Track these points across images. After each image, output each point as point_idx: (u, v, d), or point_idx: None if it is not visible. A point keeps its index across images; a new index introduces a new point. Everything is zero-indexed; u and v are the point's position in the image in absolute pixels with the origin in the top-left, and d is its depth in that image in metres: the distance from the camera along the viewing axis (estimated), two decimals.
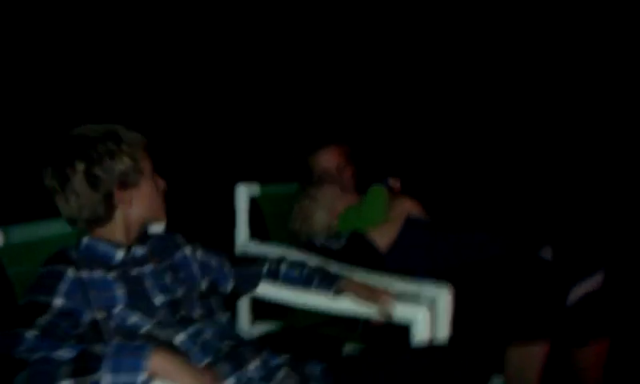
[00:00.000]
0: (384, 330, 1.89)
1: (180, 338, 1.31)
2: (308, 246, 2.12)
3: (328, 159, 2.36)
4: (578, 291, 1.92)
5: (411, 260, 2.05)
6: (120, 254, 1.38)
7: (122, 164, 1.36)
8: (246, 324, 2.13)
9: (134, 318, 1.28)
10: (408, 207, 2.17)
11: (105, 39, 4.10)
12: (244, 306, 2.13)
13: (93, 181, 1.34)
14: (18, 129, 3.47)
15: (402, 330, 1.76)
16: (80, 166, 1.33)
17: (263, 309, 2.15)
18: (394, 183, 2.27)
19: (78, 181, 1.33)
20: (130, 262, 1.39)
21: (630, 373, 2.43)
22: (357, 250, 2.05)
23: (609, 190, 4.24)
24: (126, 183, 1.38)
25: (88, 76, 3.99)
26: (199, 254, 1.58)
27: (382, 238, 2.07)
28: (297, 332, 2.22)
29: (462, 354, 1.36)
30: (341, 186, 2.27)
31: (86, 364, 1.01)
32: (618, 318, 1.97)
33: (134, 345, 1.07)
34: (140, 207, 1.43)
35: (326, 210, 2.16)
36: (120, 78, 4.11)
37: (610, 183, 4.25)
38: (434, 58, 4.64)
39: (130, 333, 1.27)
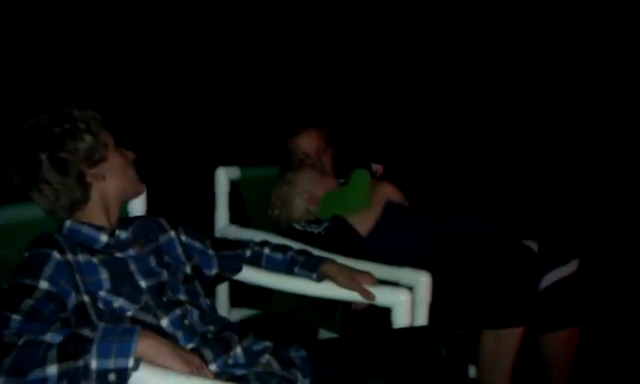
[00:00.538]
0: (361, 316, 1.92)
1: (165, 322, 1.31)
2: (288, 231, 2.12)
3: (307, 143, 2.34)
4: (552, 277, 1.97)
5: (390, 245, 2.07)
6: (104, 238, 1.37)
7: (84, 142, 1.35)
8: (224, 310, 2.12)
9: (119, 302, 1.27)
10: (389, 192, 2.18)
11: (86, 25, 4.02)
12: (222, 291, 2.12)
13: (60, 166, 1.33)
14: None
15: (380, 317, 1.79)
16: (43, 155, 1.32)
17: (240, 295, 2.15)
18: (377, 168, 2.27)
19: (46, 170, 1.32)
20: (114, 245, 1.38)
21: (599, 359, 2.51)
22: (338, 235, 2.06)
23: (589, 182, 4.33)
24: (93, 160, 1.37)
25: (68, 61, 3.91)
26: (183, 237, 1.58)
27: (363, 223, 2.08)
28: (274, 318, 2.22)
29: (440, 338, 1.39)
30: (320, 170, 2.27)
31: (74, 348, 1.00)
32: (589, 304, 2.02)
33: (123, 328, 1.05)
34: (114, 180, 1.42)
35: (304, 195, 2.15)
36: (99, 63, 4.04)
37: (591, 177, 4.34)
38: (416, 40, 4.66)
39: (116, 316, 1.26)
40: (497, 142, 4.62)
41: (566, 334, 2.03)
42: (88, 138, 1.36)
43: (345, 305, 2.01)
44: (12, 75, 3.69)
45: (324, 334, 2.19)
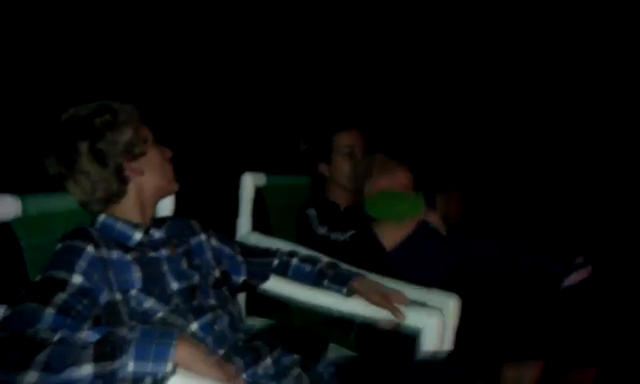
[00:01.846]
0: (380, 336, 1.87)
1: (194, 327, 1.27)
2: (310, 235, 2.08)
3: (352, 139, 2.30)
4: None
5: (411, 263, 2.03)
6: (138, 235, 1.33)
7: (124, 134, 1.33)
8: None
9: (149, 303, 1.24)
10: (429, 218, 2.15)
11: (109, 29, 4.02)
12: (239, 298, 2.08)
13: (100, 157, 1.30)
14: (33, 97, 3.44)
15: (397, 338, 1.75)
16: (83, 145, 1.29)
17: (257, 303, 2.10)
18: (441, 204, 2.26)
19: (85, 160, 1.29)
20: (148, 244, 1.34)
21: None
22: (361, 245, 2.02)
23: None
24: (133, 153, 1.35)
25: (94, 65, 3.92)
26: (213, 241, 1.54)
27: (390, 237, 2.04)
28: (287, 330, 2.17)
29: (479, 372, 1.34)
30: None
31: (111, 348, 0.96)
32: (607, 346, 1.98)
33: (161, 331, 1.01)
34: (152, 176, 1.39)
35: (387, 184, 2.15)
36: (125, 66, 4.04)
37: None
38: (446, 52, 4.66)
39: (145, 318, 1.22)
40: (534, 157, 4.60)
41: (582, 374, 1.98)
42: (128, 131, 1.33)
43: (363, 323, 1.96)
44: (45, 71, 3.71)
45: (334, 351, 2.15)
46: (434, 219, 2.14)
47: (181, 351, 0.99)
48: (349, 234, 2.05)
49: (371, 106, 4.49)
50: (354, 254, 1.93)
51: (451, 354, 1.53)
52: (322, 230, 2.09)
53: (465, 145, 4.70)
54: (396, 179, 2.18)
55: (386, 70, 4.75)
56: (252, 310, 2.12)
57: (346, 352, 2.03)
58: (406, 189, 2.19)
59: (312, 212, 2.15)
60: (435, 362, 1.42)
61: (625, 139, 4.37)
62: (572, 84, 4.47)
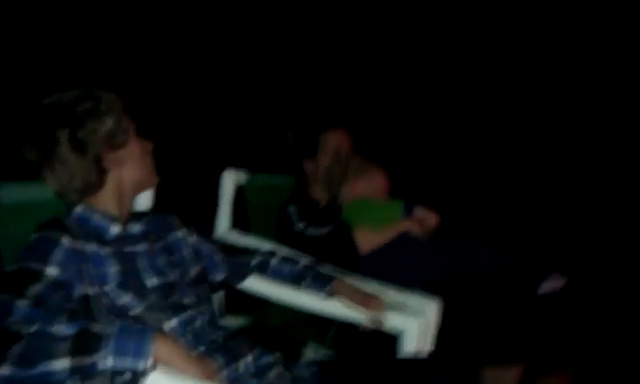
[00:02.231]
0: (358, 337, 1.87)
1: (171, 324, 1.24)
2: (286, 231, 2.07)
3: (341, 139, 2.27)
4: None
5: (387, 269, 2.03)
6: (115, 229, 1.30)
7: (106, 124, 1.28)
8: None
9: (125, 298, 1.20)
10: (406, 226, 2.15)
11: (93, 18, 3.95)
12: (216, 298, 2.05)
13: (79, 146, 1.26)
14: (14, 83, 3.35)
15: (379, 340, 1.74)
16: (63, 133, 1.25)
17: (234, 303, 2.08)
18: (421, 216, 2.23)
19: (64, 148, 1.25)
20: (125, 238, 1.31)
21: None
22: (337, 244, 2.01)
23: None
24: (113, 143, 1.30)
25: (77, 54, 3.85)
26: (193, 238, 1.51)
27: (366, 242, 2.04)
28: (265, 329, 2.15)
29: (455, 374, 1.34)
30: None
31: (87, 342, 0.93)
32: (584, 350, 2.01)
33: (138, 327, 0.99)
34: (132, 168, 1.35)
35: (364, 187, 2.14)
36: (109, 57, 3.97)
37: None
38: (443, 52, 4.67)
39: (121, 313, 1.18)
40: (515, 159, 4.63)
41: (560, 378, 2.00)
42: (109, 120, 1.29)
43: (340, 324, 1.95)
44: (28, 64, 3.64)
45: (312, 350, 2.13)
46: (413, 227, 2.14)
47: (160, 347, 0.97)
48: (325, 230, 2.04)
49: (362, 107, 4.48)
50: (327, 251, 1.92)
51: (432, 356, 1.53)
52: (300, 226, 2.07)
53: (451, 149, 4.72)
54: (373, 182, 2.18)
55: (376, 71, 4.75)
56: (230, 308, 2.10)
57: (323, 351, 2.03)
58: (382, 191, 2.19)
59: (292, 208, 2.14)
60: (416, 362, 1.42)
61: (607, 146, 4.43)
62: (560, 87, 4.52)
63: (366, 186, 2.19)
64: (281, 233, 2.11)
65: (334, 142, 2.27)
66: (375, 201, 2.19)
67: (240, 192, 2.12)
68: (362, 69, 4.70)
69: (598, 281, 3.26)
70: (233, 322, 2.10)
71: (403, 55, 4.73)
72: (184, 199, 2.67)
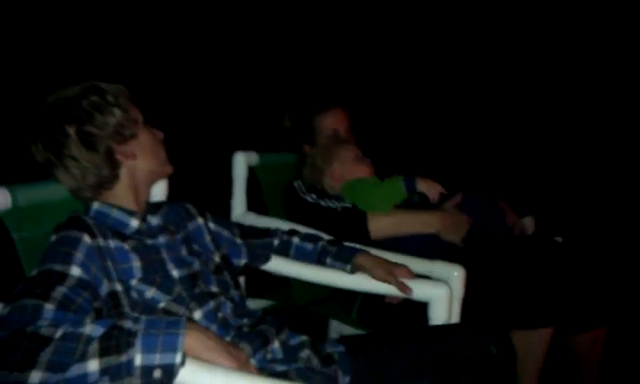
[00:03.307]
0: (384, 310, 1.84)
1: (198, 315, 1.23)
2: (299, 203, 2.02)
3: (336, 120, 2.21)
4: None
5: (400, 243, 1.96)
6: (135, 223, 1.28)
7: (114, 116, 1.27)
8: None
9: (150, 293, 1.19)
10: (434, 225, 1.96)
11: (96, 13, 3.92)
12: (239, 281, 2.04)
13: (89, 141, 1.24)
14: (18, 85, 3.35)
15: (403, 309, 1.72)
16: (71, 129, 1.23)
17: (256, 285, 2.06)
18: (433, 192, 2.00)
19: (74, 145, 1.23)
20: (145, 232, 1.29)
21: (626, 361, 2.48)
22: (347, 222, 1.94)
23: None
24: (123, 136, 1.28)
25: (80, 49, 3.83)
26: (211, 224, 1.49)
27: (378, 229, 1.92)
28: (291, 310, 2.14)
29: (490, 335, 1.32)
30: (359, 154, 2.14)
31: (116, 342, 0.91)
32: (616, 306, 1.97)
33: (167, 320, 0.96)
34: (145, 159, 1.33)
35: (330, 170, 2.06)
36: (113, 48, 3.95)
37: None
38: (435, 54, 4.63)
39: (147, 308, 1.17)
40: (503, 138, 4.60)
41: (592, 335, 1.98)
42: (117, 112, 1.27)
43: (364, 298, 1.93)
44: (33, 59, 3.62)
45: (335, 327, 2.12)
46: (445, 229, 1.95)
47: (190, 339, 0.95)
48: (341, 204, 1.99)
49: (354, 83, 4.44)
50: (340, 225, 1.88)
51: (460, 324, 1.51)
52: (311, 198, 2.02)
53: (446, 130, 4.69)
54: (346, 160, 2.08)
55: (370, 52, 4.70)
56: (251, 291, 2.08)
57: (347, 329, 2.01)
58: (358, 161, 2.09)
59: (298, 183, 2.09)
60: (448, 328, 1.40)
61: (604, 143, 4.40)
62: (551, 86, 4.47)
63: (342, 166, 2.08)
64: (291, 207, 2.06)
65: (328, 124, 2.20)
66: (369, 179, 2.06)
67: (252, 173, 2.09)
68: (356, 48, 4.65)
69: (623, 236, 3.24)
70: (256, 304, 2.09)
71: (395, 42, 4.68)
72: (197, 186, 2.67)
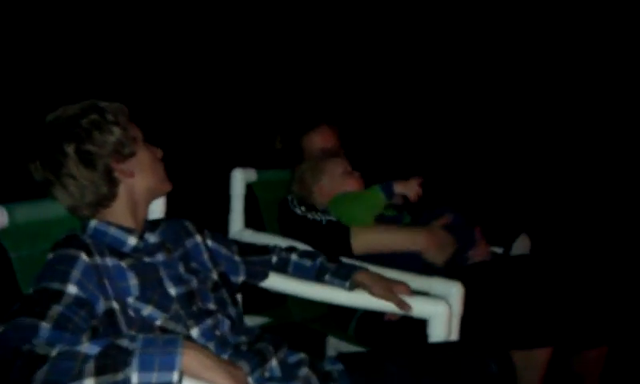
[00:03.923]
0: (381, 328, 1.83)
1: (196, 333, 1.22)
2: (289, 216, 2.02)
3: (323, 139, 2.21)
4: None
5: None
6: (132, 241, 1.27)
7: (113, 134, 1.27)
8: None
9: (147, 310, 1.18)
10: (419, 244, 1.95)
11: (95, 27, 3.93)
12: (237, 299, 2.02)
13: (87, 159, 1.24)
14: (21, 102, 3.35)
15: (401, 326, 1.71)
16: (70, 148, 1.23)
17: (253, 302, 2.05)
18: (413, 193, 2.01)
19: (72, 163, 1.23)
20: (143, 249, 1.29)
21: (628, 380, 2.46)
22: (330, 236, 1.93)
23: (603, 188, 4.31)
24: (122, 154, 1.29)
25: (80, 65, 3.83)
26: (209, 242, 1.49)
27: (361, 245, 1.91)
28: (288, 327, 2.13)
29: (490, 353, 1.31)
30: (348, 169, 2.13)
31: (113, 360, 0.90)
32: (616, 326, 1.96)
33: (164, 339, 0.95)
34: (144, 177, 1.33)
35: (318, 185, 2.05)
36: (111, 66, 3.96)
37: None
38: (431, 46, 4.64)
39: (144, 326, 1.17)
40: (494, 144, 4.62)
41: (593, 354, 1.96)
42: (117, 130, 1.27)
43: (362, 316, 1.92)
44: (28, 73, 3.62)
45: (333, 344, 2.10)
46: (428, 249, 1.93)
47: (188, 359, 0.94)
48: (327, 217, 1.97)
49: (342, 97, 4.45)
50: (323, 239, 1.87)
51: (460, 342, 1.50)
52: (300, 210, 2.01)
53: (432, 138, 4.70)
54: (334, 174, 2.07)
55: (358, 66, 4.72)
56: (247, 308, 2.07)
57: (345, 346, 2.00)
58: (346, 175, 2.08)
59: (289, 196, 2.09)
60: (448, 346, 1.39)
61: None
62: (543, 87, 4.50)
63: (330, 181, 2.07)
64: (282, 220, 2.06)
65: (316, 143, 2.21)
66: (352, 192, 2.04)
67: (250, 190, 2.08)
68: (345, 62, 4.68)
69: (623, 254, 3.24)
70: (252, 321, 2.08)
71: (382, 56, 4.72)
72: (194, 202, 2.66)
